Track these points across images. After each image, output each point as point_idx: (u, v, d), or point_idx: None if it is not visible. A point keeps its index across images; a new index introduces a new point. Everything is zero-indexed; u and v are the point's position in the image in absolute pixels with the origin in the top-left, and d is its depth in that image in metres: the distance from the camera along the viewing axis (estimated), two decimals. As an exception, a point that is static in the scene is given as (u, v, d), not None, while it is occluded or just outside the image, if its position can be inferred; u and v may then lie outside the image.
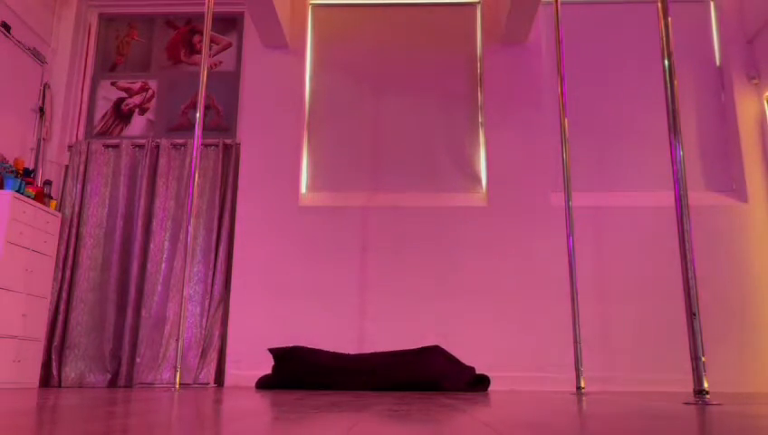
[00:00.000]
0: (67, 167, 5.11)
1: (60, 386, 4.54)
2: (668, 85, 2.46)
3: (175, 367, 3.35)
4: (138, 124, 5.31)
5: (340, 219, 4.85)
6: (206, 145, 5.05)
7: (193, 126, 5.19)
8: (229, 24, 5.48)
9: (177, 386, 3.31)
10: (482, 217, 4.82)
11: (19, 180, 4.29)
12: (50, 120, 5.04)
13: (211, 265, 4.80)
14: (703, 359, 2.18)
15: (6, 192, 4.09)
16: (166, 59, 5.45)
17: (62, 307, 4.71)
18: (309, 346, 4.54)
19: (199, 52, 5.41)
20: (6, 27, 4.58)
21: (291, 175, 4.97)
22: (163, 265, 4.82)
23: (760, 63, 4.90)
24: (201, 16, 5.50)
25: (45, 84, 5.05)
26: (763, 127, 4.86)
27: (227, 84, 5.33)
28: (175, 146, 5.11)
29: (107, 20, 5.57)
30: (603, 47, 5.19)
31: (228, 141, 5.09)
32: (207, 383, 4.52)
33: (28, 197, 4.34)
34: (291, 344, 4.59)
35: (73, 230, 4.87)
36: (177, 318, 4.52)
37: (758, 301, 4.57)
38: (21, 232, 4.19)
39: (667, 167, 4.80)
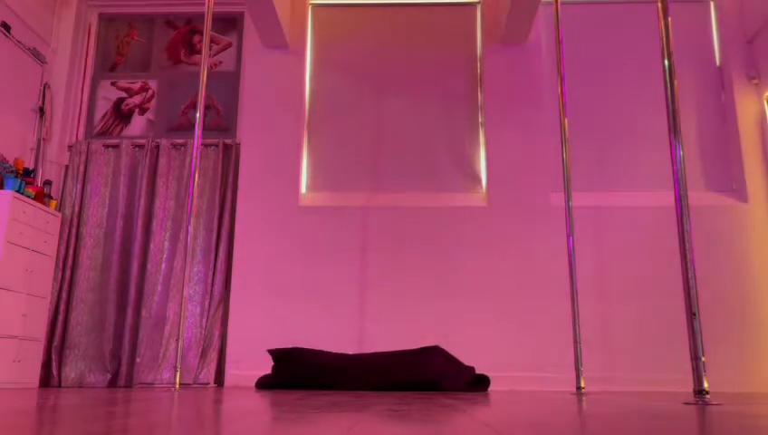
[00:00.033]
0: (67, 167, 5.11)
1: (60, 386, 4.54)
2: (668, 85, 2.46)
3: (175, 367, 3.35)
4: (138, 124, 5.31)
5: (340, 219, 4.85)
6: (206, 145, 5.05)
7: (193, 126, 5.19)
8: (229, 24, 5.48)
9: (177, 386, 3.32)
10: (482, 217, 4.82)
11: (19, 180, 4.29)
12: (50, 120, 5.04)
13: (211, 265, 4.80)
14: (703, 359, 2.18)
15: (6, 192, 4.09)
16: (166, 59, 5.45)
17: (62, 307, 4.71)
18: (308, 347, 4.55)
19: (199, 52, 5.41)
20: (6, 27, 4.58)
21: (291, 175, 4.97)
22: (163, 265, 4.82)
23: (760, 63, 4.90)
24: (201, 16, 5.50)
25: (45, 84, 5.05)
26: (763, 127, 4.86)
27: (227, 84, 5.33)
28: (175, 146, 5.11)
29: (107, 20, 5.57)
30: (603, 47, 5.19)
31: (228, 141, 5.09)
32: (207, 383, 4.52)
33: (28, 197, 4.34)
34: (290, 346, 4.59)
35: (73, 230, 4.87)
36: (177, 318, 4.52)
37: (758, 301, 4.57)
38: (21, 232, 4.19)
39: (667, 167, 4.80)
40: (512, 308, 4.63)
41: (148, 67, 5.44)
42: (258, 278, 4.76)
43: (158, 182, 5.00)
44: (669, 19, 2.52)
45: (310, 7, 5.38)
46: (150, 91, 5.37)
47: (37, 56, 4.96)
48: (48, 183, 4.77)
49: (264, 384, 3.97)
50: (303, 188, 5.04)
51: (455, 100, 5.14)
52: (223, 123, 5.26)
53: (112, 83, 5.41)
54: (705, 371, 2.18)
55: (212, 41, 5.39)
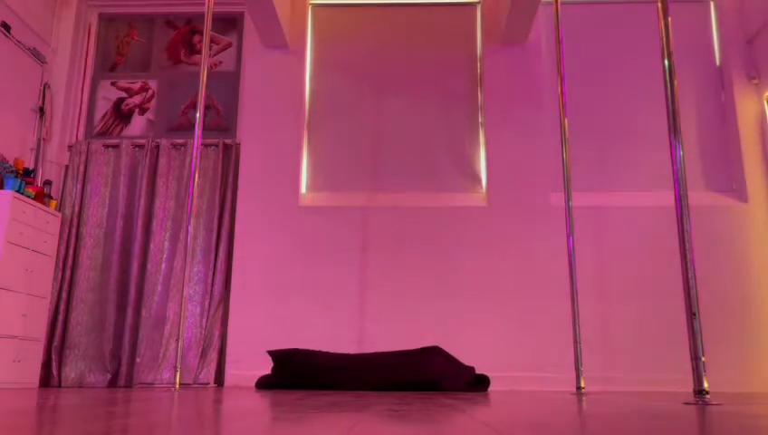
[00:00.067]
0: (67, 167, 5.11)
1: (60, 386, 4.54)
2: (668, 85, 2.46)
3: (175, 367, 3.35)
4: (138, 124, 5.31)
5: (340, 219, 4.85)
6: (206, 145, 5.05)
7: (193, 126, 5.19)
8: (229, 24, 5.48)
9: (177, 386, 3.32)
10: (482, 217, 4.82)
11: (19, 180, 4.29)
12: (50, 120, 5.04)
13: (211, 265, 4.80)
14: (703, 359, 2.18)
15: (6, 192, 4.09)
16: (166, 59, 5.45)
17: (62, 307, 4.71)
18: (308, 348, 4.55)
19: (199, 52, 5.41)
20: (6, 27, 4.58)
21: (291, 175, 4.97)
22: (163, 265, 4.82)
23: (760, 63, 4.90)
24: (201, 16, 5.50)
25: (45, 84, 5.05)
26: (763, 127, 4.86)
27: (227, 84, 5.33)
28: (175, 146, 5.11)
29: (107, 20, 5.57)
30: (603, 47, 5.19)
31: (228, 141, 5.09)
32: (207, 383, 4.52)
33: (28, 197, 4.34)
34: (290, 346, 4.59)
35: (73, 230, 4.87)
36: (177, 318, 4.52)
37: (758, 301, 4.57)
38: (21, 232, 4.20)
39: (666, 167, 4.80)
40: (512, 308, 4.63)
41: (148, 67, 5.44)
42: (258, 278, 4.76)
43: (158, 182, 5.00)
44: (669, 19, 2.52)
45: (310, 7, 5.38)
46: (150, 91, 5.37)
47: (37, 56, 4.96)
48: (48, 183, 4.77)
49: (263, 384, 3.97)
50: (303, 188, 5.04)
51: (455, 100, 5.14)
52: (223, 123, 5.26)
53: (112, 83, 5.41)
54: (705, 371, 2.18)
55: (212, 41, 5.39)
